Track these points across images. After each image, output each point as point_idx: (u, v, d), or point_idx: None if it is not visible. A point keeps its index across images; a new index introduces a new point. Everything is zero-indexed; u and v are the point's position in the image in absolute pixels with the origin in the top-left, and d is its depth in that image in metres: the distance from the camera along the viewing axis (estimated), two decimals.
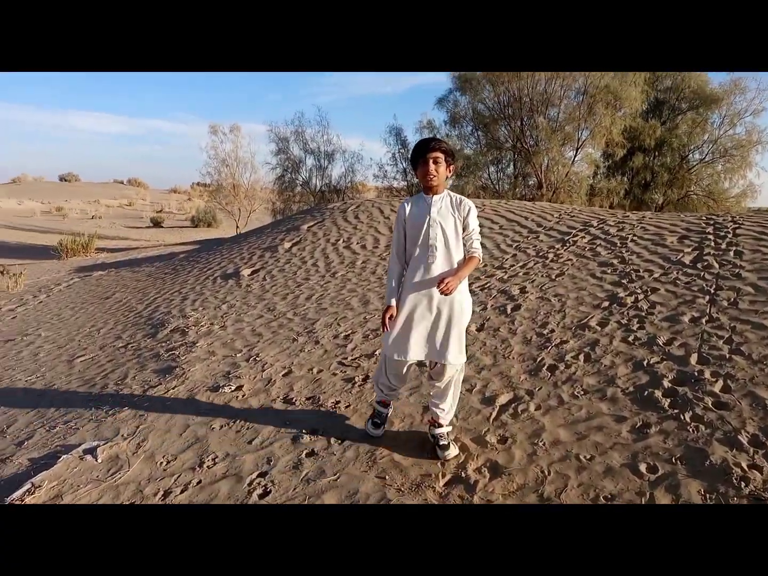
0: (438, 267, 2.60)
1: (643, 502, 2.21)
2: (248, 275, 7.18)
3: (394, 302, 2.65)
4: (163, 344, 4.81)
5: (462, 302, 2.64)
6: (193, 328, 5.13)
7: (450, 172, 2.65)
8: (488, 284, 5.26)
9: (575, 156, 15.58)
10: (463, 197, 2.67)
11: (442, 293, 2.47)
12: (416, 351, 2.62)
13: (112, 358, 4.67)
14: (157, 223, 37.51)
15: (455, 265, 2.61)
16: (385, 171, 18.64)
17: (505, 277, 5.40)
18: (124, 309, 6.63)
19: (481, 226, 7.59)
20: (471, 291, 4.91)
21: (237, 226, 30.02)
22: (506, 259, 5.96)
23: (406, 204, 2.72)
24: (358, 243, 7.62)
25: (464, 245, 2.63)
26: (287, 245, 8.18)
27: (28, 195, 48.14)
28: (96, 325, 6.02)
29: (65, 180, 66.62)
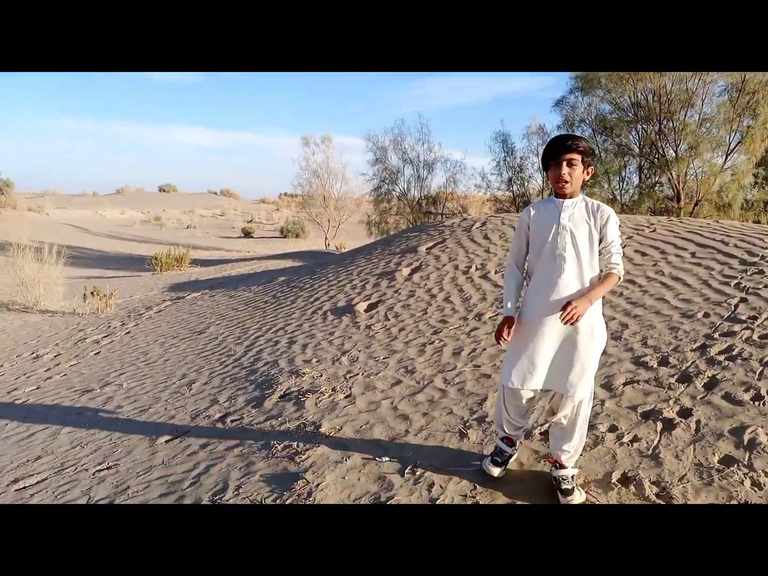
0: (566, 283, 2.29)
1: None
2: (365, 311, 5.84)
3: (513, 312, 2.40)
4: (274, 422, 3.50)
5: (593, 325, 2.31)
6: (310, 396, 3.80)
7: (587, 174, 2.33)
8: (732, 347, 3.57)
9: (724, 163, 13.23)
10: (601, 203, 2.34)
11: (565, 322, 2.15)
12: (536, 379, 2.35)
13: (207, 442, 3.41)
14: (247, 234, 37.88)
15: (586, 283, 2.29)
16: (488, 181, 17.00)
17: (755, 336, 3.67)
18: (221, 352, 5.47)
19: (663, 252, 5.91)
20: (713, 359, 3.46)
21: (326, 238, 29.45)
22: (736, 306, 4.22)
23: (531, 208, 2.44)
24: (497, 272, 6.10)
25: (601, 259, 2.31)
26: (406, 271, 6.79)
27: (130, 205, 50.51)
28: (187, 376, 4.86)
29: (164, 190, 70.02)
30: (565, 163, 2.22)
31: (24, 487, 3.13)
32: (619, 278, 2.28)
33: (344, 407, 3.57)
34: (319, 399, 3.75)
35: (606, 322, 4.38)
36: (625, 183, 15.99)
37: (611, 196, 15.13)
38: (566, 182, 2.25)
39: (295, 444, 3.13)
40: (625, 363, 3.67)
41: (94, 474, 3.19)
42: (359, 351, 4.68)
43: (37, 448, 3.64)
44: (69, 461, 3.40)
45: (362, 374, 4.12)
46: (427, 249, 7.53)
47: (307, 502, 2.46)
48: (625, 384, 3.40)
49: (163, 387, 4.63)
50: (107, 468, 3.24)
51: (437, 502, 2.40)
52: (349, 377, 4.10)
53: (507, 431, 2.55)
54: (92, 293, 8.86)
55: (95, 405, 4.41)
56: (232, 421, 3.67)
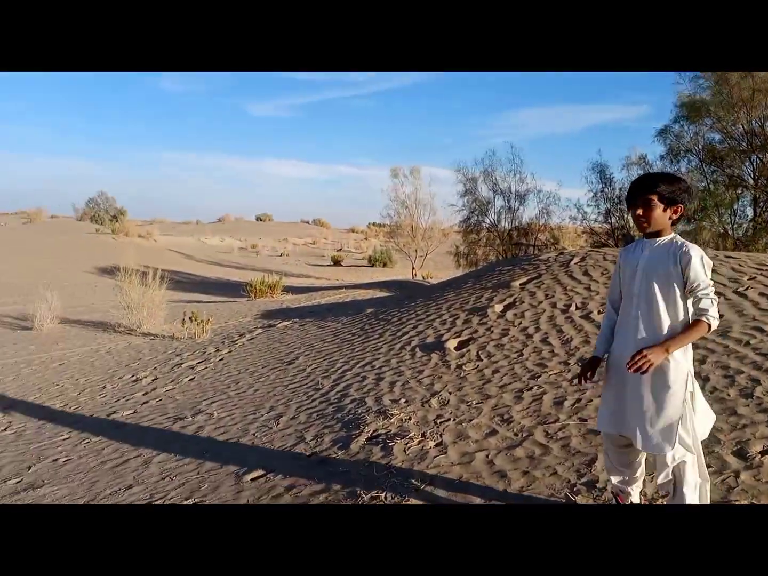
0: (640, 327, 2.18)
1: None
2: (455, 348, 5.59)
3: (601, 353, 2.40)
4: (361, 468, 3.32)
5: (671, 372, 2.10)
6: (399, 442, 3.59)
7: (675, 213, 2.19)
8: None
9: None
10: (689, 244, 2.16)
11: (631, 371, 2.06)
12: (617, 422, 2.25)
13: (292, 483, 3.28)
14: (336, 262, 38.77)
15: (664, 329, 2.13)
16: (584, 212, 16.28)
17: None
18: (308, 385, 5.41)
19: None
20: None
21: (413, 267, 29.49)
22: None
23: (623, 250, 2.42)
24: (599, 311, 5.65)
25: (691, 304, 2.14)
26: (499, 308, 6.47)
27: (230, 233, 53.42)
28: (275, 408, 4.81)
29: (260, 219, 73.61)
30: (640, 204, 2.17)
31: None
32: (709, 327, 2.08)
33: (435, 457, 3.33)
34: (408, 445, 3.53)
35: (733, 376, 3.88)
36: (737, 217, 14.73)
37: (722, 231, 13.96)
38: (643, 223, 2.20)
39: (382, 495, 2.93)
40: (761, 427, 3.17)
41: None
42: (450, 393, 4.43)
43: (130, 477, 3.67)
44: (158, 493, 3.39)
45: (453, 420, 3.87)
46: (521, 285, 7.18)
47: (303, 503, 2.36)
48: (762, 453, 2.92)
49: (252, 419, 4.60)
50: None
51: None
52: (440, 422, 3.85)
53: (614, 482, 2.44)
54: (190, 318, 9.23)
55: (187, 433, 4.45)
56: (318, 463, 3.53)
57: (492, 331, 5.79)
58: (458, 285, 8.47)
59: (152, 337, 9.44)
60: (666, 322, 2.15)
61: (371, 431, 3.87)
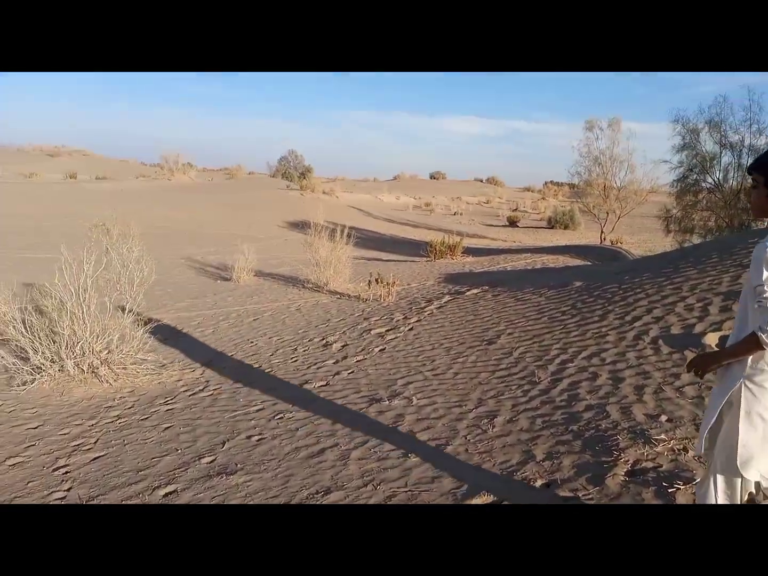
0: (734, 330, 2.00)
1: None
2: (717, 346, 4.25)
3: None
4: None
5: (747, 390, 1.85)
6: (681, 487, 2.54)
7: None
8: None
9: None
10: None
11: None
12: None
13: None
14: (512, 223, 36.90)
15: (743, 333, 1.87)
16: None
17: None
18: (520, 374, 4.50)
19: None
20: None
21: (602, 231, 26.73)
22: None
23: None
24: None
25: None
26: None
27: (404, 191, 53.87)
28: (485, 403, 4.01)
29: (434, 177, 73.43)
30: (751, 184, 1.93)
31: None
32: (758, 340, 1.74)
33: None
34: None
35: None
36: None
37: None
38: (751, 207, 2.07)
39: None
40: None
41: None
42: None
43: (327, 475, 3.14)
44: (360, 503, 2.79)
45: None
46: None
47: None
48: None
49: (459, 414, 3.85)
50: None
51: None
52: None
53: None
54: (376, 280, 8.83)
55: (385, 422, 3.85)
56: (563, 499, 2.64)
57: None
58: (697, 258, 6.83)
59: (338, 296, 9.26)
60: (747, 328, 1.86)
61: (630, 461, 2.86)
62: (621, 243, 26.05)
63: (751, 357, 1.84)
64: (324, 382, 4.90)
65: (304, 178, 39.43)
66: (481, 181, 73.61)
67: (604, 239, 26.33)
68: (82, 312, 5.34)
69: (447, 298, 8.13)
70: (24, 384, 4.92)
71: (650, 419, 3.32)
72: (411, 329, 6.49)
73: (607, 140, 25.97)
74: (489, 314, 6.61)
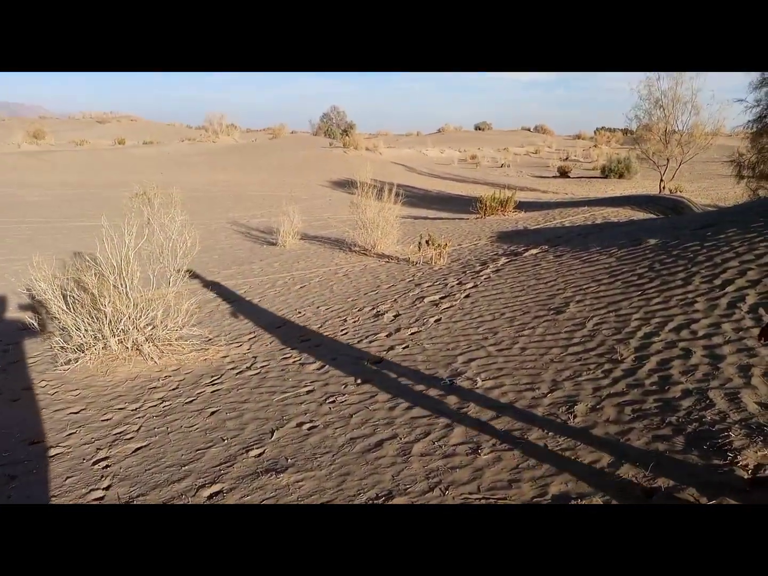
0: None
1: None
2: None
3: None
4: None
5: None
6: None
7: None
8: None
9: None
10: None
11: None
12: None
13: None
14: (563, 173, 35.30)
15: None
16: None
17: None
18: (597, 350, 4.01)
19: None
20: None
21: (661, 180, 25.12)
22: None
23: None
24: None
25: None
26: None
27: (449, 144, 52.32)
28: (560, 386, 3.56)
29: (479, 129, 71.08)
30: None
31: None
32: None
33: None
34: None
35: None
36: None
37: None
38: None
39: None
40: None
41: None
42: None
43: (387, 476, 2.80)
44: None
45: None
46: None
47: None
48: None
49: (531, 399, 3.42)
50: None
51: None
52: None
53: None
54: (427, 242, 8.34)
55: (448, 409, 3.47)
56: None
57: None
58: None
59: (387, 260, 8.84)
60: None
61: (750, 465, 2.38)
62: (681, 191, 24.46)
63: None
64: (377, 359, 4.54)
65: (347, 134, 38.62)
66: (529, 130, 70.81)
67: (664, 188, 24.79)
68: (125, 286, 5.13)
69: (503, 259, 7.58)
70: (68, 363, 4.78)
71: (766, 410, 2.79)
72: (467, 296, 6.03)
73: (670, 80, 24.02)
74: (553, 278, 6.06)
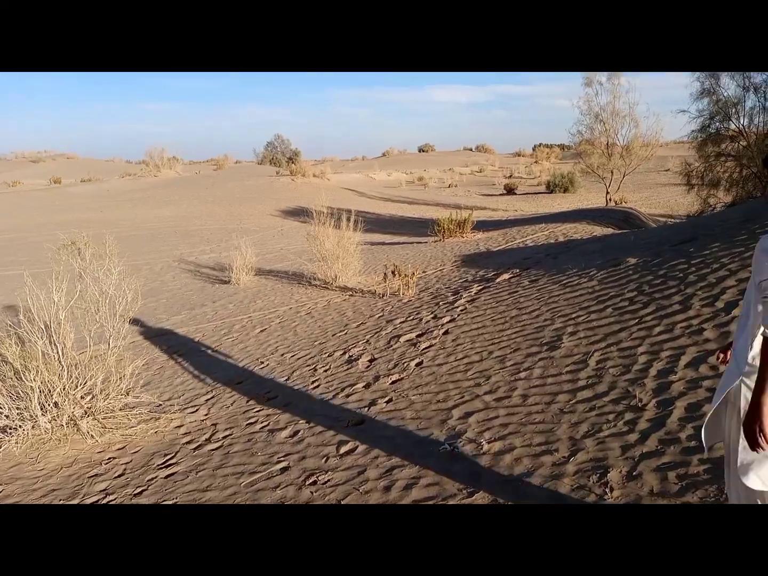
0: (736, 330, 1.88)
1: None
2: None
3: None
4: None
5: (746, 389, 1.73)
6: None
7: None
8: None
9: None
10: None
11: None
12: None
13: None
14: (510, 190, 35.83)
15: (750, 344, 1.72)
16: None
17: None
18: (611, 394, 3.55)
19: None
20: None
21: (607, 192, 25.70)
22: None
23: None
24: None
25: None
26: None
27: (395, 167, 52.64)
28: (582, 445, 3.06)
29: (423, 150, 72.06)
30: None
31: None
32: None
33: None
34: None
35: None
36: None
37: None
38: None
39: None
40: None
41: None
42: None
43: None
44: None
45: None
46: None
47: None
48: None
49: (552, 466, 2.90)
50: None
51: None
52: None
53: None
54: (393, 273, 7.84)
55: (455, 487, 2.91)
56: None
57: None
58: (761, 221, 5.83)
59: (350, 293, 8.29)
60: (755, 333, 1.69)
61: None
62: (626, 202, 25.05)
63: (749, 354, 1.73)
64: (358, 419, 3.95)
65: (293, 162, 38.13)
66: (471, 149, 72.36)
67: (610, 200, 25.38)
68: (57, 351, 4.38)
69: (476, 287, 7.15)
70: None
71: None
72: (446, 332, 5.53)
73: (608, 95, 24.74)
74: (536, 307, 5.64)
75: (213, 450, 3.84)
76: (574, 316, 5.07)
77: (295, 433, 3.90)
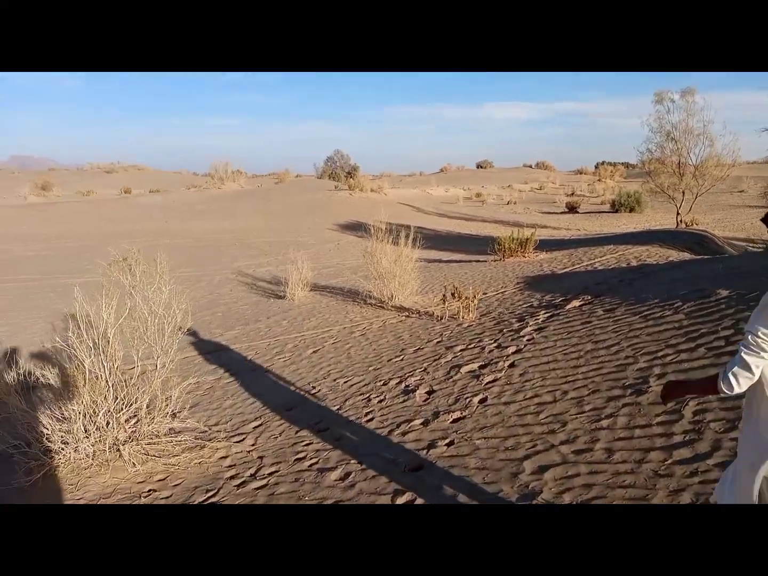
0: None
1: None
2: None
3: None
4: None
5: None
6: None
7: None
8: None
9: None
10: None
11: None
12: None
13: None
14: (572, 208, 34.64)
15: None
16: None
17: None
18: (718, 457, 3.01)
19: None
20: None
21: (678, 213, 24.32)
22: None
23: None
24: None
25: None
26: None
27: (452, 182, 52.12)
28: None
29: (481, 167, 71.27)
30: None
31: None
32: (715, 384, 1.72)
33: None
34: None
35: None
36: None
37: None
38: None
39: None
40: None
41: None
42: None
43: None
44: None
45: None
46: None
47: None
48: None
49: None
50: None
51: None
52: None
53: None
54: (452, 295, 7.43)
55: None
56: None
57: None
58: None
59: (407, 314, 7.92)
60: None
61: None
62: (697, 224, 23.65)
63: None
64: (417, 464, 3.56)
65: (351, 177, 38.37)
66: (531, 167, 70.93)
67: (681, 221, 24.01)
68: (105, 373, 4.21)
69: (543, 314, 6.63)
70: (29, 475, 3.82)
71: None
72: (512, 365, 5.07)
73: (681, 112, 23.50)
74: (614, 341, 5.09)
75: (257, 489, 3.54)
76: (660, 354, 4.51)
77: (346, 475, 3.54)
